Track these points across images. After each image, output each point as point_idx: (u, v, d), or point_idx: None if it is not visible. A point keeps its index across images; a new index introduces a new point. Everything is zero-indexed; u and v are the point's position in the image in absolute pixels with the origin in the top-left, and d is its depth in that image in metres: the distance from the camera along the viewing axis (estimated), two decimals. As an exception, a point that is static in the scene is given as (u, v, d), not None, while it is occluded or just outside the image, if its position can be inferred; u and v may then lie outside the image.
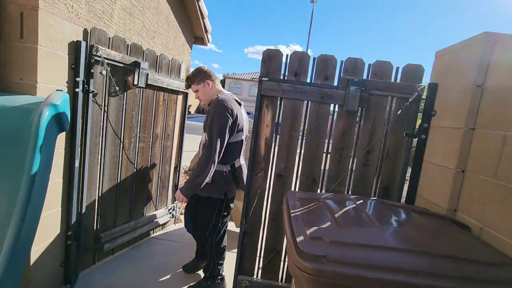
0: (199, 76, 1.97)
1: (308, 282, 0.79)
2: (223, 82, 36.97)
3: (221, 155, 1.82)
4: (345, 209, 1.16)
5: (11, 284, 1.17)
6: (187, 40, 4.25)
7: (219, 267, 2.08)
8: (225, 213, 2.02)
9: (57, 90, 1.55)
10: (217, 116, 1.77)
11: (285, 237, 1.12)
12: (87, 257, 2.14)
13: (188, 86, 2.07)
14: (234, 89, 33.97)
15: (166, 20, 3.50)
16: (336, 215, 1.07)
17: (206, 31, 4.50)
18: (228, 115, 1.78)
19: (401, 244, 0.91)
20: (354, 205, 1.24)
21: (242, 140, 1.97)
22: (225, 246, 2.11)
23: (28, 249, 1.31)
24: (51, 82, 1.61)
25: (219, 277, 2.09)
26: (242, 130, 1.93)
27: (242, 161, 2.08)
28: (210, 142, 1.78)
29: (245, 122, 2.00)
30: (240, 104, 1.98)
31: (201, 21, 4.20)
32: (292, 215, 1.08)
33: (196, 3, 3.86)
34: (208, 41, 4.79)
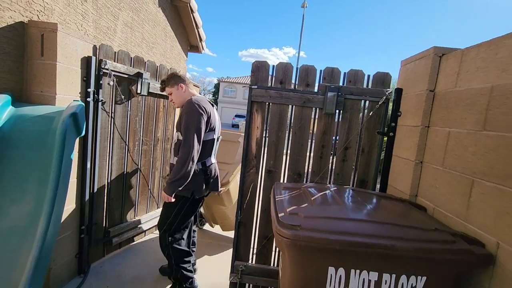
0: (173, 79, 2.01)
1: (287, 245, 1.04)
2: (217, 86, 37.20)
3: (198, 149, 1.83)
4: (320, 194, 1.41)
5: (43, 268, 1.39)
6: (183, 49, 4.50)
7: (183, 271, 1.99)
8: (187, 213, 1.98)
9: (74, 100, 1.78)
10: (192, 115, 1.82)
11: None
12: (97, 250, 2.35)
13: (162, 89, 2.08)
14: (229, 93, 34.22)
15: (164, 31, 3.74)
16: (312, 199, 1.32)
17: (201, 40, 4.75)
18: (203, 112, 1.84)
19: (360, 216, 1.16)
20: (329, 191, 1.49)
21: (214, 139, 1.99)
22: (186, 251, 2.02)
23: (55, 237, 1.53)
24: (67, 93, 1.84)
25: (188, 281, 2.03)
26: (214, 129, 1.96)
27: (214, 160, 2.08)
28: (186, 140, 1.80)
29: (218, 123, 2.03)
30: (213, 106, 2.05)
31: (196, 30, 4.45)
32: (276, 199, 1.33)
33: (191, 14, 4.11)
34: (203, 49, 5.05)
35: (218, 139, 2.08)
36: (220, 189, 2.37)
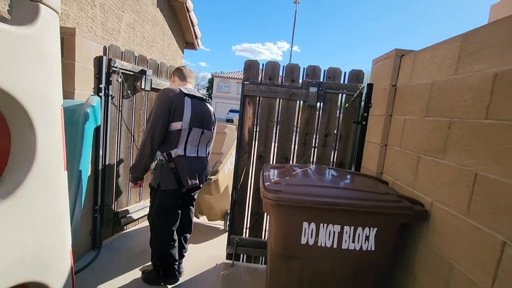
0: (173, 72, 2.12)
1: (272, 205, 1.35)
2: (211, 81, 37.19)
3: (157, 139, 1.81)
4: (301, 170, 1.72)
5: (76, 230, 1.68)
6: (179, 46, 4.75)
7: (158, 262, 2.03)
8: (160, 205, 1.94)
9: (91, 95, 2.05)
10: (156, 102, 1.83)
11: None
12: (108, 229, 2.64)
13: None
14: (223, 88, 34.31)
15: (162, 30, 3.99)
16: (293, 173, 1.63)
17: (196, 37, 5.00)
18: (165, 101, 1.80)
19: (329, 184, 1.48)
20: (309, 169, 1.80)
21: (180, 130, 1.85)
22: (164, 250, 2.00)
23: (81, 208, 1.82)
24: (83, 89, 2.10)
25: (166, 272, 2.06)
26: (181, 120, 1.84)
27: (189, 153, 1.93)
28: (146, 128, 1.86)
29: (189, 113, 1.87)
30: (197, 98, 1.97)
31: (192, 28, 4.70)
32: (264, 174, 1.64)
33: (187, 14, 4.36)
34: (198, 46, 5.29)
35: (191, 130, 1.90)
36: (209, 177, 2.52)
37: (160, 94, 1.84)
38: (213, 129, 2.16)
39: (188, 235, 2.24)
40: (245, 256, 2.48)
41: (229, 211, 2.73)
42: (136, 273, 2.22)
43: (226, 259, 2.50)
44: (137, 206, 2.96)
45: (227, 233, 2.61)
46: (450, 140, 1.29)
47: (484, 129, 1.10)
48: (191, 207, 2.19)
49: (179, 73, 2.07)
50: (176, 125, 1.85)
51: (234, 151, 2.45)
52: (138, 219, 3.03)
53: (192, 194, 2.14)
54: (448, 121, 1.31)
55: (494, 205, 1.02)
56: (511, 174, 0.97)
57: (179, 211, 2.04)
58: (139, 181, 2.00)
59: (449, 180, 1.27)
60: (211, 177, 2.58)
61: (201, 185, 2.09)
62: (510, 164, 0.97)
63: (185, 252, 2.24)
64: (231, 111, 27.90)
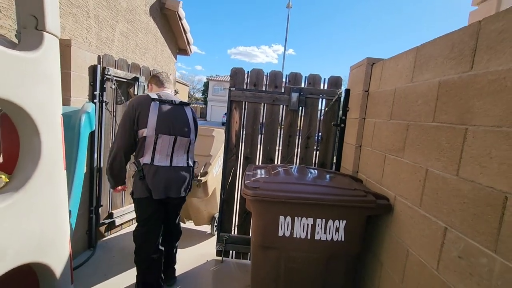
0: (149, 79, 2.08)
1: (251, 201, 1.50)
2: (207, 85, 37.35)
3: (122, 148, 1.80)
4: (281, 169, 1.87)
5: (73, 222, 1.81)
6: (172, 52, 4.90)
7: (139, 277, 1.93)
8: (136, 211, 1.89)
9: (86, 102, 2.19)
10: (124, 112, 1.85)
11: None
12: (102, 229, 2.76)
13: None
14: (218, 91, 34.50)
15: (154, 38, 4.15)
16: (273, 172, 1.78)
17: (189, 44, 5.16)
18: (129, 108, 1.80)
19: (304, 182, 1.63)
20: (289, 169, 1.95)
21: (145, 137, 1.78)
22: (138, 261, 1.90)
23: (76, 208, 1.94)
24: (78, 96, 2.24)
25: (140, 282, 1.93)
26: (146, 127, 1.77)
27: (159, 162, 1.81)
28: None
29: (154, 119, 1.77)
30: (170, 103, 1.87)
31: (184, 35, 4.86)
32: (246, 173, 1.79)
33: (179, 21, 4.52)
34: (191, 52, 5.45)
35: (158, 137, 1.79)
36: (199, 179, 2.57)
37: (129, 101, 1.81)
38: (192, 134, 1.97)
39: (176, 243, 2.18)
40: (234, 252, 2.62)
41: (216, 215, 2.82)
42: (130, 271, 2.34)
43: (216, 255, 2.63)
44: (131, 207, 3.09)
45: (215, 235, 2.71)
46: (407, 141, 1.45)
47: (431, 130, 1.27)
48: (176, 215, 2.12)
49: (156, 80, 2.03)
50: (141, 132, 1.79)
51: (223, 154, 2.58)
52: (132, 219, 3.15)
53: (175, 204, 2.03)
54: (406, 124, 1.48)
55: (436, 196, 1.18)
56: (448, 169, 1.13)
57: (160, 224, 1.93)
58: (119, 187, 1.95)
59: (407, 176, 1.43)
60: (201, 178, 2.67)
61: (178, 196, 1.91)
62: (448, 161, 1.14)
63: (174, 265, 2.20)
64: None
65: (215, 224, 3.01)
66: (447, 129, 1.16)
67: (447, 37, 1.23)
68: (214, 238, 2.65)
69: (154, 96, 1.84)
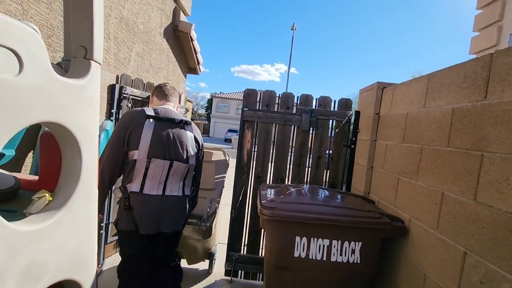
0: (152, 92, 1.88)
1: (268, 221, 1.52)
2: (210, 101, 37.90)
3: (107, 171, 1.52)
4: (293, 189, 1.90)
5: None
6: (182, 71, 5.05)
7: None
8: (120, 250, 1.62)
9: (105, 120, 2.27)
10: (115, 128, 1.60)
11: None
12: (110, 246, 2.76)
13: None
14: (222, 108, 34.96)
15: (167, 58, 4.30)
16: (287, 192, 1.81)
17: (199, 63, 5.33)
18: (120, 125, 1.54)
19: (320, 202, 1.65)
20: (302, 189, 1.98)
21: (135, 160, 1.50)
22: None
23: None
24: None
25: None
26: (137, 148, 1.50)
27: (150, 191, 1.54)
28: None
29: (148, 139, 1.51)
30: (169, 121, 1.60)
31: (195, 55, 5.03)
32: (261, 192, 1.81)
33: (191, 42, 4.69)
34: (200, 71, 5.62)
35: (151, 161, 1.51)
36: (206, 224, 2.10)
37: (121, 116, 1.57)
38: (192, 159, 1.67)
39: (179, 282, 1.81)
40: (243, 272, 2.59)
41: (213, 249, 2.53)
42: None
43: (225, 275, 2.60)
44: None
45: (212, 273, 2.60)
46: (421, 164, 1.49)
47: (446, 155, 1.31)
48: (173, 257, 1.77)
49: (158, 91, 1.77)
50: (132, 154, 1.52)
51: (225, 180, 2.46)
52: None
53: (169, 241, 1.69)
54: (420, 147, 1.52)
55: (454, 220, 1.21)
56: (465, 194, 1.16)
57: (146, 263, 1.60)
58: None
59: (422, 199, 1.46)
60: (207, 224, 2.11)
61: (172, 231, 1.62)
62: (464, 186, 1.17)
63: None
64: (230, 130, 28.28)
65: (214, 259, 2.64)
66: (463, 154, 1.20)
67: (458, 67, 1.29)
68: (214, 278, 2.53)
69: (150, 112, 1.56)
